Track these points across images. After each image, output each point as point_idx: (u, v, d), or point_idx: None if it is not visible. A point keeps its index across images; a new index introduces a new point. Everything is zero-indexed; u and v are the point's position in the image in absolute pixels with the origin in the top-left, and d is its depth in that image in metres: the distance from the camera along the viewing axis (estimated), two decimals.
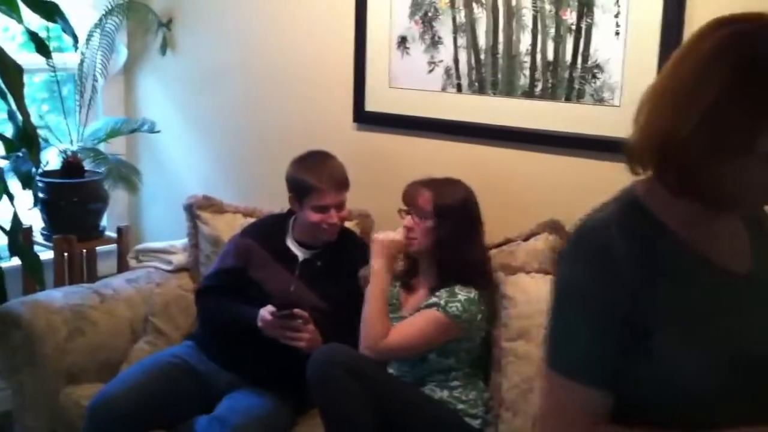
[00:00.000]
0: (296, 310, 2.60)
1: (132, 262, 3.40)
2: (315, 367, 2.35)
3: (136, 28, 3.81)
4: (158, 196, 3.88)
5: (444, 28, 2.90)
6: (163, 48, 3.72)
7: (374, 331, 2.50)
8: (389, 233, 2.60)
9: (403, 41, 3.01)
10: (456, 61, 2.90)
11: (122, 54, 3.81)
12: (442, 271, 2.54)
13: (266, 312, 2.64)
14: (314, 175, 2.75)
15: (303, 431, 2.65)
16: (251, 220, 3.11)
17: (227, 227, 3.13)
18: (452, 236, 2.53)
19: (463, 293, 2.47)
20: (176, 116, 3.79)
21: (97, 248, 3.63)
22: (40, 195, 3.40)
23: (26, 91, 2.91)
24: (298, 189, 2.78)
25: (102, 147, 3.59)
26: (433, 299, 2.48)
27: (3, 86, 2.94)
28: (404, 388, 2.48)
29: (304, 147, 2.93)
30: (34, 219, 3.48)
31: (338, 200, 2.77)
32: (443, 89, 2.94)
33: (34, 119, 3.17)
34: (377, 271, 2.56)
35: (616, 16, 2.54)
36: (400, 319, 2.57)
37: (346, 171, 2.81)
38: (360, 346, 2.52)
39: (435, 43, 2.93)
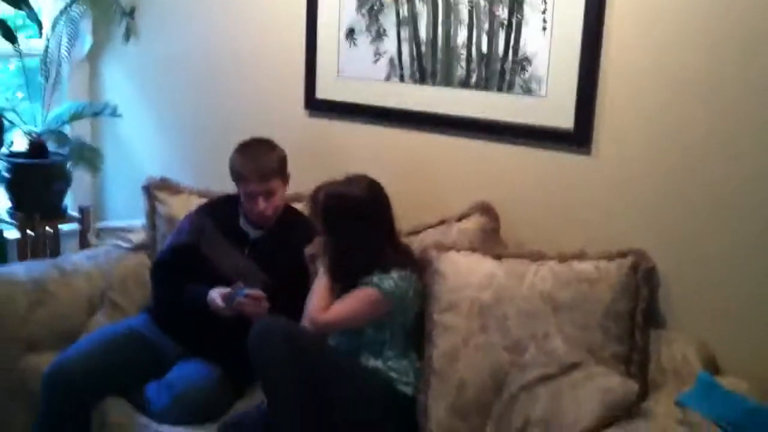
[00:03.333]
0: (253, 292, 2.73)
1: (93, 240, 3.55)
2: (255, 336, 2.50)
3: (100, 17, 3.94)
4: (120, 178, 4.03)
5: (388, 21, 3.07)
6: (126, 36, 3.87)
7: (315, 306, 2.67)
8: None
9: (351, 33, 3.17)
10: (399, 52, 3.06)
11: (87, 41, 3.95)
12: (350, 265, 2.68)
13: (217, 295, 2.78)
14: (242, 163, 2.91)
15: (248, 401, 2.79)
16: (205, 200, 3.24)
17: (182, 207, 3.27)
18: (345, 236, 2.67)
19: (395, 271, 2.64)
20: (138, 101, 3.94)
21: (60, 227, 3.77)
22: (5, 175, 3.54)
23: (1, 77, 3.03)
24: (232, 174, 2.95)
25: (67, 130, 3.74)
26: (369, 277, 2.64)
27: None
28: (339, 356, 2.65)
29: (257, 132, 3.07)
30: None
31: (262, 189, 2.88)
32: (387, 79, 3.11)
33: (1, 103, 3.30)
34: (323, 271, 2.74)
35: (543, 12, 2.70)
36: None
37: (280, 160, 2.93)
38: (302, 321, 2.69)
39: (380, 35, 3.10)
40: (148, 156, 3.94)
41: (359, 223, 2.66)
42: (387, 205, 2.71)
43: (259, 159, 2.91)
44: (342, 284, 2.69)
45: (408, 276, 2.65)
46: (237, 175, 2.93)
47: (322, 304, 2.66)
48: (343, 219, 2.68)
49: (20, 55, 3.51)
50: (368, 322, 2.64)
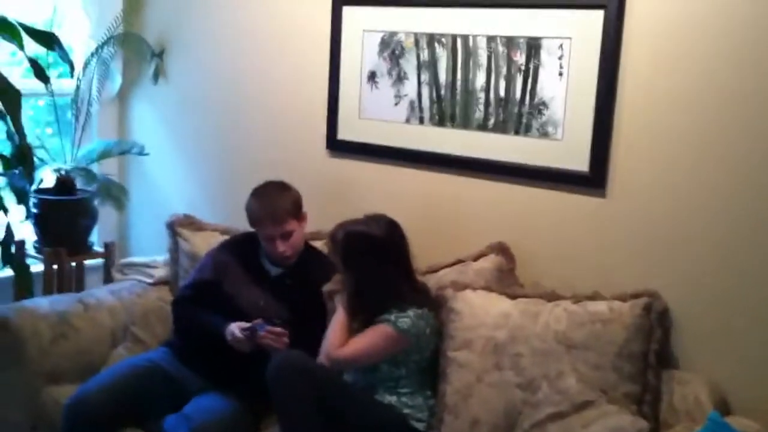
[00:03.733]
0: (274, 329, 2.78)
1: (117, 275, 3.61)
2: (273, 369, 2.56)
3: (130, 58, 4.06)
4: (145, 215, 4.11)
5: (409, 65, 3.15)
6: (156, 76, 3.98)
7: (332, 342, 2.71)
8: None
9: (372, 76, 3.25)
10: (419, 95, 3.13)
11: (117, 81, 4.06)
12: (368, 303, 2.73)
13: (236, 328, 2.83)
14: (256, 207, 2.99)
15: None
16: (227, 237, 3.31)
17: (205, 244, 3.34)
18: (363, 275, 2.73)
19: (412, 310, 2.68)
20: (165, 140, 4.03)
21: (85, 262, 3.85)
22: (34, 210, 3.63)
23: (32, 113, 3.13)
24: (249, 219, 3.03)
25: (95, 167, 3.83)
26: (386, 315, 2.68)
27: (3, 108, 3.18)
28: (355, 392, 2.69)
29: (280, 171, 3.15)
30: (27, 233, 3.70)
31: (279, 231, 2.95)
32: (407, 121, 3.18)
33: (32, 140, 3.40)
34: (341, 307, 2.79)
35: (560, 58, 2.77)
36: None
37: (293, 201, 2.99)
38: (319, 356, 2.74)
39: (401, 78, 3.18)
40: (174, 193, 4.02)
41: (377, 262, 2.71)
42: (405, 245, 2.76)
43: (272, 202, 2.97)
44: (359, 321, 2.73)
45: (425, 314, 2.69)
46: (253, 220, 3.01)
47: (339, 341, 2.71)
48: (361, 257, 2.73)
49: (52, 94, 3.61)
50: (384, 358, 2.67)
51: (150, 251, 3.82)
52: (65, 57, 3.48)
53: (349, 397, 2.64)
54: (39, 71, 3.35)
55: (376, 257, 2.73)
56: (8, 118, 3.19)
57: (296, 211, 3.00)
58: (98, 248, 3.87)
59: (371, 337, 2.67)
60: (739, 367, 2.46)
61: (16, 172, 3.40)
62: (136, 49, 3.96)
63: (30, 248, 3.74)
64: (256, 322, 2.80)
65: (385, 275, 2.72)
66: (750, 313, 2.45)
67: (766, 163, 2.40)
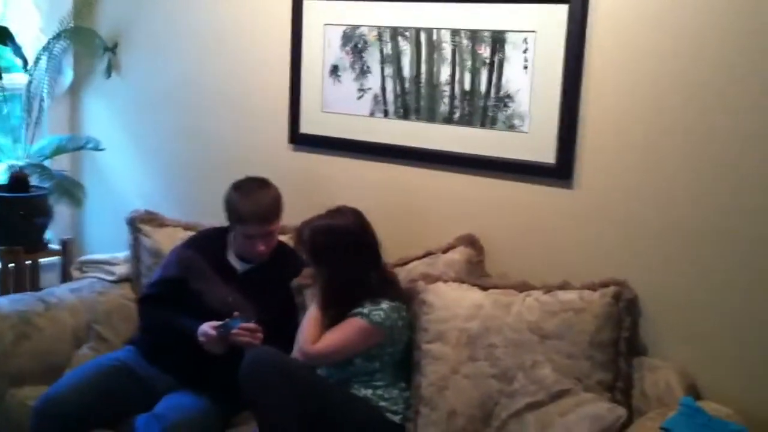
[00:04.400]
0: (247, 324, 2.76)
1: (75, 273, 3.55)
2: (247, 366, 2.55)
3: (82, 52, 3.98)
4: (100, 211, 4.05)
5: (372, 58, 3.15)
6: (108, 71, 3.92)
7: (306, 337, 2.72)
8: None
9: (335, 69, 3.25)
10: (383, 89, 3.14)
11: (68, 76, 3.98)
12: (341, 297, 2.74)
13: (209, 327, 2.80)
14: (242, 206, 2.93)
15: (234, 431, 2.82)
16: (191, 233, 3.29)
17: (168, 240, 3.31)
18: (334, 269, 2.74)
19: (385, 302, 2.70)
20: (119, 135, 3.97)
21: (41, 260, 3.77)
22: None
23: None
24: (230, 214, 2.98)
25: (47, 164, 3.75)
26: (358, 308, 2.70)
27: None
28: (330, 386, 2.69)
29: (242, 166, 3.13)
30: None
31: (263, 231, 2.94)
32: (371, 114, 3.19)
33: None
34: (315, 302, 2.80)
35: (525, 51, 2.81)
36: None
37: (277, 201, 2.98)
38: (293, 352, 2.74)
39: (364, 72, 3.18)
40: (129, 189, 3.96)
41: (347, 253, 2.73)
42: (372, 233, 2.79)
43: (261, 203, 2.94)
44: (330, 316, 2.74)
45: (397, 306, 2.71)
46: (237, 217, 2.95)
47: (313, 336, 2.71)
48: (331, 251, 2.74)
49: (3, 90, 3.53)
50: (359, 352, 2.68)
51: (106, 248, 3.76)
52: (18, 52, 3.41)
53: (325, 391, 2.64)
54: None
55: (345, 248, 2.73)
56: None
57: (280, 211, 2.99)
58: (54, 246, 3.80)
59: (345, 332, 2.68)
60: (707, 353, 2.54)
61: None
62: (87, 43, 3.89)
63: None
64: (230, 319, 2.78)
65: (355, 266, 2.73)
66: (717, 300, 2.52)
67: (733, 153, 2.47)
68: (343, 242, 2.74)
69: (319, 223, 2.76)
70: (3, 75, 3.44)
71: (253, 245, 2.95)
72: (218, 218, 3.12)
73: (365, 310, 2.67)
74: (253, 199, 2.94)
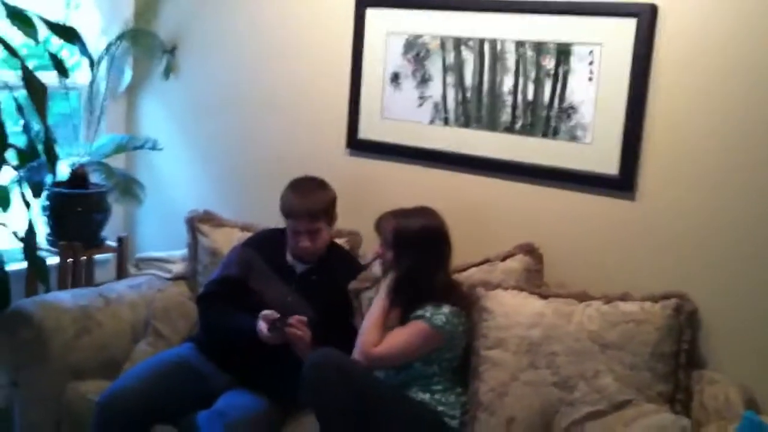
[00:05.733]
0: (295, 317, 2.81)
1: (132, 270, 3.62)
2: (309, 368, 2.58)
3: (141, 53, 4.04)
4: (153, 210, 4.09)
5: (434, 67, 3.19)
6: (167, 72, 3.97)
7: (368, 340, 2.75)
8: None
9: (396, 77, 3.29)
10: (444, 97, 3.18)
11: (127, 76, 4.05)
12: (410, 292, 2.78)
13: (264, 318, 2.85)
14: (291, 200, 3.00)
15: (291, 430, 2.86)
16: (248, 234, 3.33)
17: (225, 240, 3.37)
18: (414, 263, 2.78)
19: (446, 307, 2.73)
20: (174, 136, 4.03)
21: (95, 256, 3.83)
22: (47, 203, 3.61)
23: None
24: (282, 209, 3.04)
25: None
26: (420, 311, 2.73)
27: (19, 102, 3.16)
28: (389, 389, 2.72)
29: (299, 170, 3.17)
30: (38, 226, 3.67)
31: (309, 227, 2.98)
32: (431, 122, 3.22)
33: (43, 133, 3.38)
34: (381, 297, 2.83)
35: (590, 64, 2.84)
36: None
37: (327, 200, 3.02)
38: (354, 353, 2.77)
39: (425, 80, 3.22)
40: (183, 189, 4.02)
41: (429, 252, 2.78)
42: (450, 239, 2.83)
43: (309, 198, 2.99)
44: (394, 315, 2.78)
45: (458, 312, 2.74)
46: (286, 211, 3.01)
47: (374, 338, 2.74)
48: (418, 246, 2.78)
49: (68, 89, 3.59)
50: (420, 356, 2.72)
51: (156, 246, 3.83)
52: (85, 51, 3.47)
53: (383, 394, 2.67)
54: (59, 65, 3.34)
55: (430, 246, 2.79)
56: (26, 111, 3.18)
57: (330, 212, 3.03)
58: (110, 243, 3.86)
59: (407, 335, 2.72)
60: (766, 368, 2.55)
61: (35, 164, 3.39)
62: (147, 44, 3.94)
63: (42, 242, 3.71)
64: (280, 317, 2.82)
65: (429, 267, 2.77)
66: None
67: None
68: (431, 241, 2.79)
69: (413, 219, 2.82)
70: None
71: (298, 240, 2.99)
72: (271, 222, 3.17)
73: (427, 314, 2.71)
74: (303, 194, 3.00)
